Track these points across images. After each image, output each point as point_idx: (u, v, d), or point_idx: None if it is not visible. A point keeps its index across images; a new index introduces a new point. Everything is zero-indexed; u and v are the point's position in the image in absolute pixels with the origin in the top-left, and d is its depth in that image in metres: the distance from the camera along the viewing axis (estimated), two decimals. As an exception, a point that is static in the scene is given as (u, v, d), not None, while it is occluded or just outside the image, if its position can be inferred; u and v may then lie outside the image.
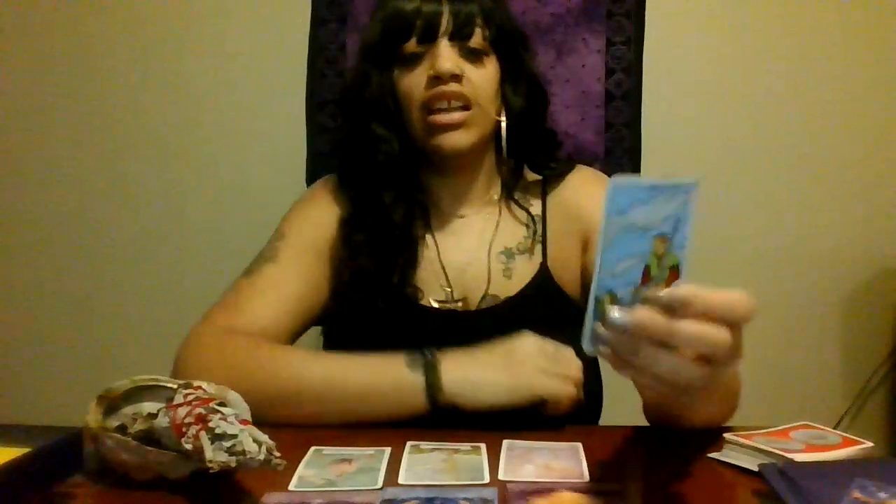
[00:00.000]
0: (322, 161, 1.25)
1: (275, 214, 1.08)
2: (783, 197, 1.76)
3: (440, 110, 0.95)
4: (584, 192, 1.05)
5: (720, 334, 0.54)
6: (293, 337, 1.00)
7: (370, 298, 0.98)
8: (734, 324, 0.55)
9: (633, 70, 1.23)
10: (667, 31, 1.60)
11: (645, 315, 0.53)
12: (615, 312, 0.53)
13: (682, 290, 0.53)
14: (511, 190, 1.06)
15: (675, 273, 0.55)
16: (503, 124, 1.00)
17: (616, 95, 1.23)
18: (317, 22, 1.25)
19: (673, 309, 0.53)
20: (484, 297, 1.01)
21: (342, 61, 1.24)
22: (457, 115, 0.95)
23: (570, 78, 1.22)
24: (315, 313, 1.02)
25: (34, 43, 1.76)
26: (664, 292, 0.53)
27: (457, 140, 0.97)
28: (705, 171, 1.75)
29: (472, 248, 1.03)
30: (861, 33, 1.72)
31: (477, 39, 0.97)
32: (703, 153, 1.75)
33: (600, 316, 0.55)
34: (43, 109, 1.78)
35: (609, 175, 1.08)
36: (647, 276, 0.55)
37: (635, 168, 1.24)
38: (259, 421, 0.67)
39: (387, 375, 0.84)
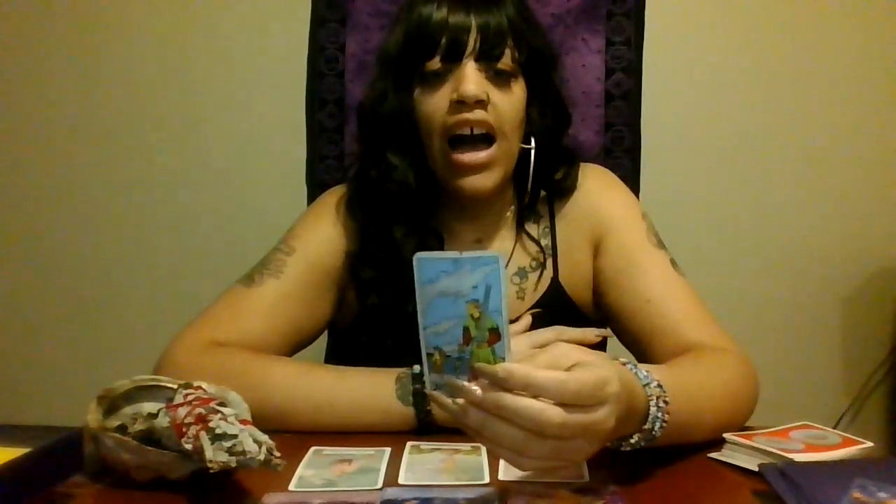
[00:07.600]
0: (322, 162, 1.25)
1: (275, 215, 1.08)
2: (782, 197, 1.76)
3: (462, 146, 0.89)
4: (593, 195, 1.01)
5: (544, 411, 0.55)
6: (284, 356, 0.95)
7: (380, 334, 0.96)
8: (569, 402, 0.56)
9: (633, 70, 1.22)
10: (667, 31, 1.60)
11: (474, 387, 0.57)
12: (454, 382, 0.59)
13: (499, 367, 0.56)
14: (525, 209, 1.01)
15: (495, 335, 0.59)
16: (532, 153, 0.95)
17: (616, 95, 1.23)
18: (317, 22, 1.25)
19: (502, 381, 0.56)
20: None
21: (342, 61, 1.24)
22: (482, 155, 0.89)
23: (569, 78, 1.22)
24: (308, 339, 0.99)
25: (36, 49, 1.76)
26: (483, 366, 0.58)
27: (480, 183, 0.91)
28: (704, 170, 1.76)
29: None
30: (861, 34, 1.72)
31: (506, 61, 0.89)
32: (702, 153, 1.76)
33: (433, 368, 0.62)
34: (42, 112, 1.78)
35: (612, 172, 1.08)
36: (468, 336, 0.60)
37: (635, 168, 1.24)
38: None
39: (377, 400, 0.82)
